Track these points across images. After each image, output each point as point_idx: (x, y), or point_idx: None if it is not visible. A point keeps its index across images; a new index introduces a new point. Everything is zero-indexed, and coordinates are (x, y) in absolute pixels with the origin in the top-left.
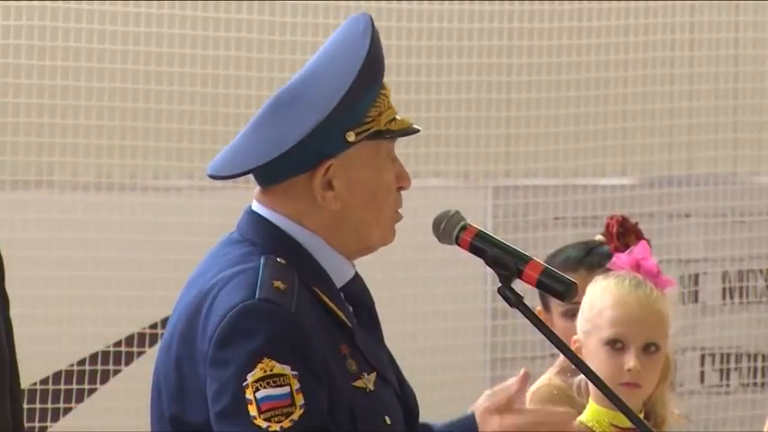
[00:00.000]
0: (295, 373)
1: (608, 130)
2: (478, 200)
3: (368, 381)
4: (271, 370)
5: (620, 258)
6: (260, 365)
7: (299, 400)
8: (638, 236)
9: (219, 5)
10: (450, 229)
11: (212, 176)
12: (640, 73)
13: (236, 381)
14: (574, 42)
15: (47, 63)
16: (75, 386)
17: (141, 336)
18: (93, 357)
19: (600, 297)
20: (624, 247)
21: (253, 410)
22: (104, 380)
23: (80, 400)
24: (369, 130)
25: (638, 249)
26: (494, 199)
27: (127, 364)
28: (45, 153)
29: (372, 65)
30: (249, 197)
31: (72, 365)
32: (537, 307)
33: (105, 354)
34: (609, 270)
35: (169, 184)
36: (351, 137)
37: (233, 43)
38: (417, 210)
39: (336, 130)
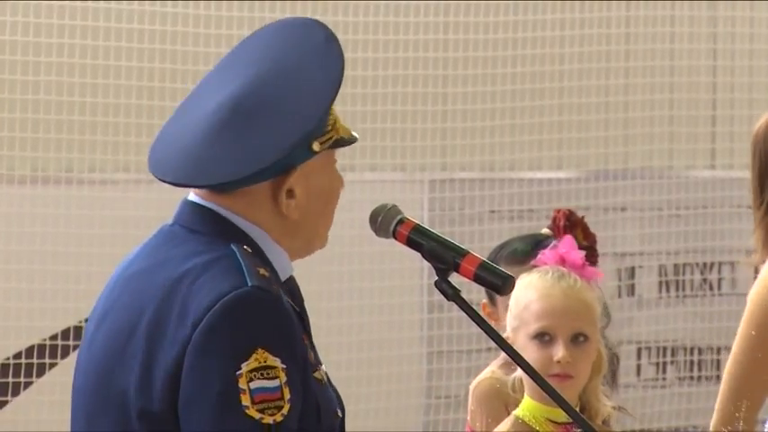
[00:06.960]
0: (284, 366)
1: (544, 123)
2: (415, 193)
3: (322, 373)
4: (264, 361)
5: (544, 254)
6: (254, 355)
7: (287, 394)
8: (585, 229)
9: None
10: (387, 222)
11: (176, 184)
12: (576, 67)
13: (229, 369)
14: (509, 36)
15: None
16: (11, 379)
17: (77, 329)
18: (29, 351)
19: (524, 292)
20: None
21: (246, 400)
22: (40, 373)
23: (16, 393)
24: (330, 139)
25: (562, 243)
26: (430, 192)
27: (63, 357)
28: None
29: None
30: (185, 190)
31: (8, 359)
32: (483, 300)
33: (41, 347)
34: (534, 267)
35: (105, 177)
36: (316, 146)
37: (169, 36)
38: (354, 203)
39: (305, 141)
